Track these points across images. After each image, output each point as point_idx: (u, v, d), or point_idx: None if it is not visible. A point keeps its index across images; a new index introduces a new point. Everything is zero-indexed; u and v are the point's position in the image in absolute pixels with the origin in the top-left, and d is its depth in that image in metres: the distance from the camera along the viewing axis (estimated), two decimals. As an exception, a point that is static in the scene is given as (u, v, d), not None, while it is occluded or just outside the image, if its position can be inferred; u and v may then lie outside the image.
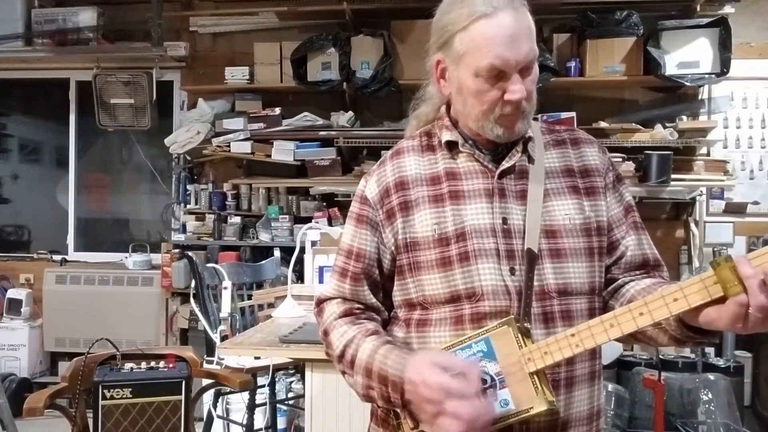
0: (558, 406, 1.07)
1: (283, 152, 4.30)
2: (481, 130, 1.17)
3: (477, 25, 1.09)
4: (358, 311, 1.22)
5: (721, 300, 0.95)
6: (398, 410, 1.11)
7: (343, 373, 1.19)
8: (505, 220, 1.14)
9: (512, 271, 1.12)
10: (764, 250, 0.94)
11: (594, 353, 1.17)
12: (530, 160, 1.19)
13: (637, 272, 1.20)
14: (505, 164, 1.17)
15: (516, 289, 1.11)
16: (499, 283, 1.12)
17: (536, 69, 1.14)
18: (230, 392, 3.05)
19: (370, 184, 1.25)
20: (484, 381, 1.04)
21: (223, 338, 2.75)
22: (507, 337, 1.05)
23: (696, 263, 4.18)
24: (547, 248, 1.14)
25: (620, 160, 3.91)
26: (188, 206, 4.64)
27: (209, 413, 3.04)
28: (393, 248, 1.20)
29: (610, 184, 1.22)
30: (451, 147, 1.21)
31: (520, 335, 1.05)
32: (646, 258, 1.21)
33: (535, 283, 1.11)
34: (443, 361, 1.03)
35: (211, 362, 2.77)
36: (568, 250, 1.14)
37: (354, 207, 1.26)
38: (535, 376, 1.03)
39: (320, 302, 1.28)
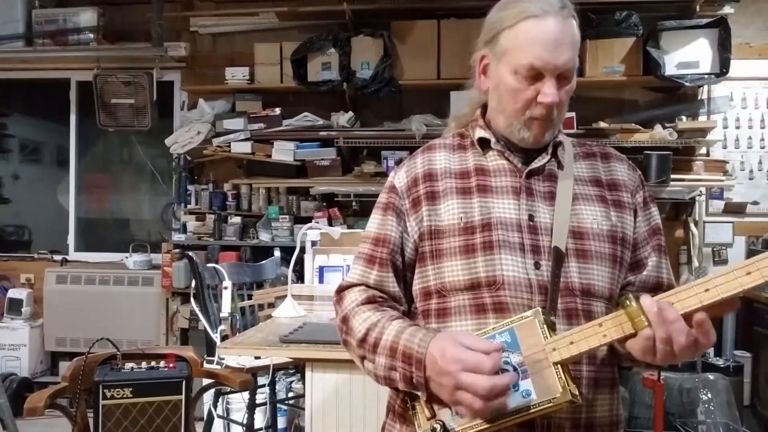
0: (580, 401, 1.06)
1: (283, 152, 4.31)
2: (509, 129, 1.20)
3: (524, 24, 1.13)
4: (381, 300, 1.22)
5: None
6: (418, 394, 1.09)
7: (363, 358, 1.17)
8: (531, 217, 1.16)
9: (537, 266, 1.13)
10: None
11: (612, 361, 1.17)
12: (559, 165, 1.22)
13: (649, 294, 1.21)
14: (534, 165, 1.20)
15: (539, 284, 1.12)
16: (521, 275, 1.13)
17: (573, 83, 1.17)
18: (230, 392, 3.06)
19: (399, 175, 1.27)
20: (506, 372, 1.02)
21: (224, 338, 2.76)
22: (532, 328, 1.04)
23: (695, 263, 4.19)
24: (573, 248, 1.15)
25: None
26: (188, 206, 4.64)
27: (209, 413, 3.05)
28: (416, 237, 1.21)
29: (640, 203, 1.24)
30: (483, 145, 1.24)
31: (546, 327, 1.04)
32: (660, 282, 1.22)
33: (561, 280, 1.13)
34: (467, 340, 1.02)
35: (211, 362, 2.77)
36: (594, 252, 1.16)
37: (381, 197, 1.28)
38: (560, 368, 1.01)
39: (341, 290, 1.27)
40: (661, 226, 1.27)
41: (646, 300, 0.98)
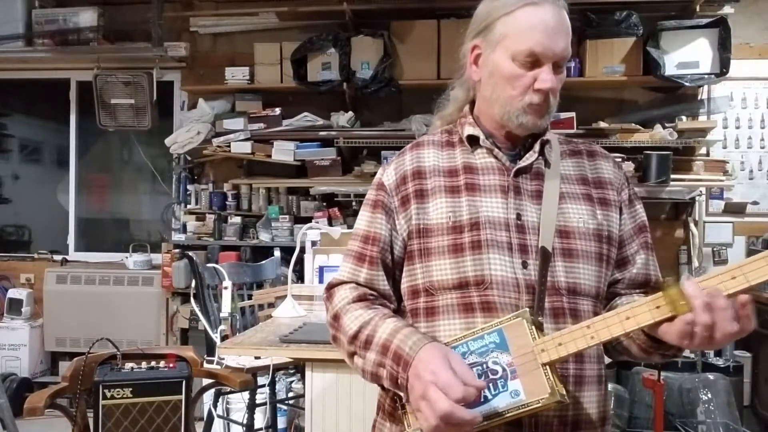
0: (568, 400, 1.06)
1: (283, 152, 4.31)
2: (506, 116, 1.19)
3: (523, 11, 1.15)
4: (371, 298, 1.22)
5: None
6: (403, 395, 1.09)
7: (352, 354, 1.17)
8: (519, 216, 1.17)
9: (524, 265, 1.14)
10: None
11: (601, 357, 1.18)
12: (546, 164, 1.22)
13: (637, 290, 1.22)
14: (522, 163, 1.20)
15: (526, 283, 1.13)
16: (509, 275, 1.13)
17: (564, 73, 1.19)
18: (230, 392, 3.06)
19: (387, 172, 1.27)
20: (495, 372, 1.04)
21: (224, 338, 2.76)
22: (521, 329, 1.05)
23: (695, 263, 4.19)
24: (560, 247, 1.16)
25: (620, 160, 3.91)
26: (188, 206, 4.65)
27: (209, 413, 3.05)
28: (405, 235, 1.21)
29: (626, 200, 1.25)
30: (472, 142, 1.24)
31: (534, 327, 1.05)
32: (648, 278, 1.23)
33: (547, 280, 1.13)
34: (455, 362, 1.01)
35: (211, 362, 2.77)
36: (580, 251, 1.17)
37: (370, 194, 1.28)
38: (548, 368, 1.02)
39: (331, 287, 1.27)
40: (647, 223, 1.27)
41: (689, 285, 0.97)
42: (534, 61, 1.14)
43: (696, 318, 0.96)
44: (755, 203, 4.30)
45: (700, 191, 4.22)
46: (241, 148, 4.36)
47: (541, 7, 1.14)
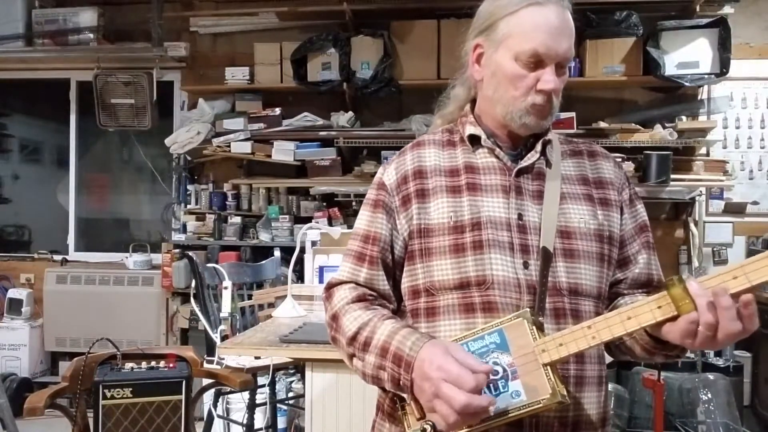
0: (569, 401, 1.06)
1: (283, 152, 4.31)
2: (508, 116, 1.18)
3: (527, 11, 1.14)
4: (371, 298, 1.21)
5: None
6: (405, 396, 1.09)
7: (351, 356, 1.17)
8: (520, 216, 1.16)
9: (525, 265, 1.14)
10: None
11: (602, 358, 1.18)
12: (548, 164, 1.22)
13: (639, 290, 1.22)
14: (523, 163, 1.20)
15: (527, 283, 1.12)
16: (510, 275, 1.13)
17: (567, 74, 1.18)
18: (230, 392, 3.06)
19: (388, 171, 1.26)
20: (495, 372, 1.03)
21: (224, 338, 2.76)
22: (521, 329, 1.04)
23: (695, 263, 4.19)
24: (561, 247, 1.15)
25: (620, 160, 3.91)
26: (188, 206, 4.65)
27: (209, 413, 3.05)
28: (405, 235, 1.21)
29: (626, 200, 1.25)
30: (473, 142, 1.23)
31: (534, 328, 1.04)
32: (651, 278, 1.23)
33: (548, 280, 1.13)
34: (458, 353, 1.01)
35: (211, 362, 2.77)
36: (581, 251, 1.16)
37: (371, 194, 1.27)
38: (549, 369, 1.02)
39: (330, 286, 1.26)
40: (648, 222, 1.27)
41: (693, 284, 0.97)
42: (537, 62, 1.13)
43: (700, 317, 0.96)
44: (755, 203, 4.30)
45: (700, 191, 4.22)
46: (241, 148, 4.36)
47: (545, 7, 1.13)
